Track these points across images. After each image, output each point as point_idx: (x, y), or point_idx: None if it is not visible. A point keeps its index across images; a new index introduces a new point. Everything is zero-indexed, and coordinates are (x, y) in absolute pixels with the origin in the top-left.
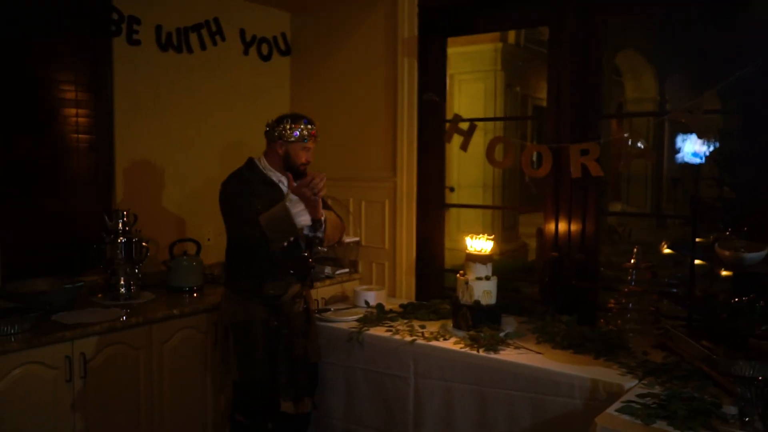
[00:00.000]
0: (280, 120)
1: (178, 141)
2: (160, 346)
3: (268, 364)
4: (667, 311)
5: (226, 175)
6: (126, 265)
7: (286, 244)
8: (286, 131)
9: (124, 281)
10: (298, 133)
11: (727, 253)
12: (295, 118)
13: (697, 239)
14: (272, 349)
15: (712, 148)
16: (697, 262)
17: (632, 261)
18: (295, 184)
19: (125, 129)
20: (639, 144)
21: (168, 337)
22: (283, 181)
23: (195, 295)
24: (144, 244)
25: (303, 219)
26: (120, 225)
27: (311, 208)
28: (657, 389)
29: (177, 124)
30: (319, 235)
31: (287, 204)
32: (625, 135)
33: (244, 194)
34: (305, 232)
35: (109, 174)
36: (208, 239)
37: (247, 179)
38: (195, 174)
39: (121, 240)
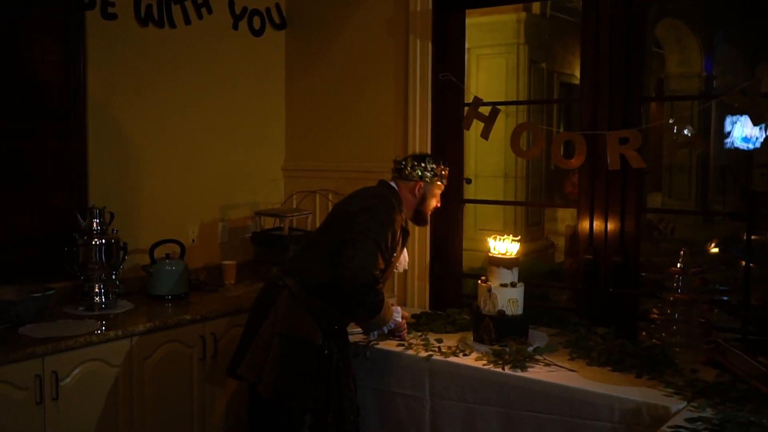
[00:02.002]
0: (420, 158)
1: (160, 128)
2: (141, 363)
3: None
4: (717, 322)
5: (212, 167)
6: (101, 270)
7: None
8: (428, 171)
9: (99, 289)
10: (439, 175)
11: None
12: (434, 158)
13: (753, 237)
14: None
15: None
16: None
17: (679, 265)
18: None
19: (100, 114)
20: (686, 131)
21: (150, 352)
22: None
23: (180, 303)
24: (122, 245)
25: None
26: (94, 224)
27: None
28: (709, 412)
29: (158, 108)
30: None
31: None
32: (670, 121)
33: (391, 238)
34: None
35: (81, 166)
36: (193, 240)
37: (398, 221)
38: (179, 166)
39: (95, 241)
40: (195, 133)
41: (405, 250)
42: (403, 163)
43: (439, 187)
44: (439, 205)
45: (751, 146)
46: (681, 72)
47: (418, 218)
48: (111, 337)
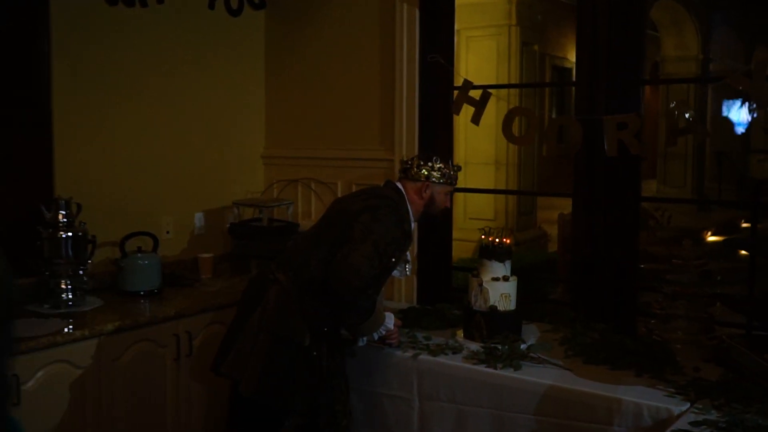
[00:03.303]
0: (427, 157)
1: (131, 114)
2: (110, 364)
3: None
4: (720, 317)
5: (188, 154)
6: (68, 265)
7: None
8: (435, 171)
9: (66, 285)
10: (447, 175)
11: None
12: (442, 157)
13: (746, 225)
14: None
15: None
16: (743, 253)
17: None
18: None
19: (66, 100)
20: (687, 116)
21: (120, 352)
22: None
23: (153, 300)
24: (90, 238)
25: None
26: (60, 216)
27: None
28: (714, 414)
29: (129, 93)
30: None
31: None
32: (671, 105)
33: (396, 246)
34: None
35: (46, 154)
36: (167, 232)
37: (402, 225)
38: (151, 155)
39: (62, 234)
40: (168, 119)
41: (408, 253)
42: (410, 162)
43: (447, 187)
44: (448, 205)
45: (742, 130)
46: (677, 55)
47: (430, 217)
48: (77, 337)
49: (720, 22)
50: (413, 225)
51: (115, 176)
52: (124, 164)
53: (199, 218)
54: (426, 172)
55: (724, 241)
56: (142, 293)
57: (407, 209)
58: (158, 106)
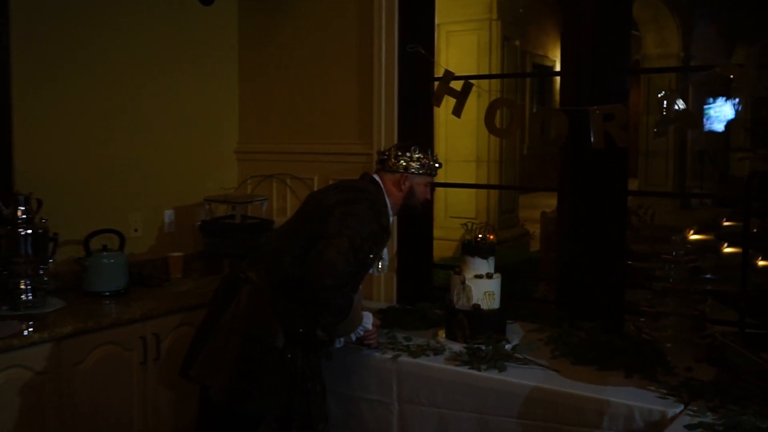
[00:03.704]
0: (405, 147)
1: (97, 106)
2: (71, 369)
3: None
4: (710, 314)
5: (157, 148)
6: (28, 264)
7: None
8: (413, 161)
9: (25, 285)
10: (426, 165)
11: None
12: (421, 147)
13: (728, 223)
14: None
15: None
16: (727, 250)
17: (672, 253)
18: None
19: (27, 91)
20: (677, 105)
21: (82, 357)
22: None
23: (119, 301)
24: (52, 236)
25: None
26: (19, 212)
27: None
28: (709, 417)
29: (94, 84)
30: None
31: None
32: (660, 95)
33: (374, 241)
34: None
35: (5, 148)
36: (136, 230)
37: (380, 219)
38: (118, 149)
39: (21, 232)
40: (136, 112)
41: (385, 249)
42: (387, 153)
43: (427, 178)
44: (429, 197)
45: (722, 129)
46: (658, 53)
47: (410, 211)
48: (36, 340)
49: (701, 19)
50: (392, 219)
51: (79, 171)
52: (89, 158)
53: (169, 215)
54: (404, 163)
55: (716, 235)
56: (107, 294)
57: (385, 202)
58: (126, 99)
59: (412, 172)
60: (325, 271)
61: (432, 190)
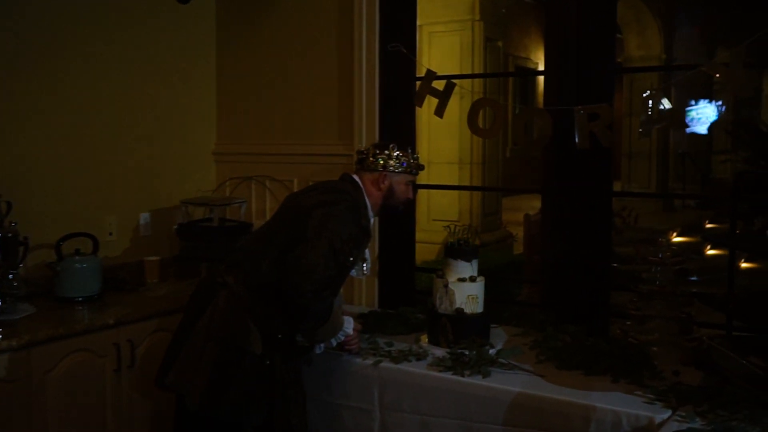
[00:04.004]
0: (383, 146)
1: (69, 106)
2: (42, 377)
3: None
4: (697, 317)
5: (133, 150)
6: None
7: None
8: (392, 159)
9: None
10: (406, 163)
11: None
12: (400, 145)
13: (710, 225)
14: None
15: (716, 117)
16: (710, 252)
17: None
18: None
19: None
20: (662, 105)
21: (53, 364)
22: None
23: (92, 306)
24: (22, 240)
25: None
26: None
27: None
28: (698, 422)
29: (67, 83)
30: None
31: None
32: (644, 95)
33: (354, 244)
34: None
35: None
36: (111, 233)
37: (360, 221)
38: (92, 150)
39: None
40: (111, 112)
41: (367, 251)
42: (365, 152)
43: (407, 176)
44: (410, 197)
45: (704, 131)
46: (641, 55)
47: (391, 210)
48: (4, 348)
49: (682, 22)
50: (372, 220)
51: (51, 173)
52: (61, 160)
53: (145, 218)
54: (383, 162)
55: (702, 237)
56: (80, 299)
57: (365, 203)
58: (100, 99)
59: (391, 171)
60: (305, 276)
61: (414, 190)
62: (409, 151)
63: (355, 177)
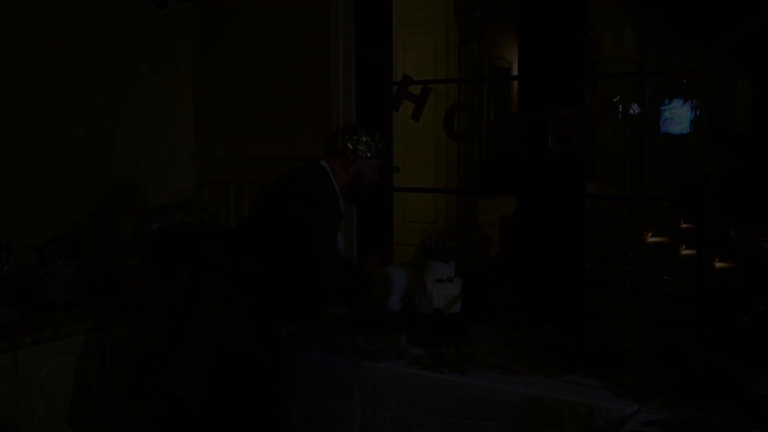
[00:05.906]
0: (352, 130)
1: (47, 110)
2: (27, 381)
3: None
4: (669, 315)
5: (112, 154)
6: None
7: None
8: (360, 144)
9: None
10: (374, 148)
11: (748, 242)
12: (367, 130)
13: (686, 225)
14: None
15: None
16: (686, 252)
17: (629, 255)
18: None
19: None
20: (632, 110)
21: (38, 368)
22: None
23: (75, 310)
24: (5, 245)
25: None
26: None
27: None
28: (666, 414)
29: (45, 87)
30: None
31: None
32: (615, 99)
33: (333, 226)
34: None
35: None
36: (91, 238)
37: (336, 206)
38: (72, 152)
39: None
40: (89, 113)
41: (340, 237)
42: (334, 137)
43: (375, 161)
44: (378, 181)
45: (680, 131)
46: (614, 55)
47: (356, 198)
48: None
49: (655, 21)
50: (342, 204)
51: (32, 176)
52: (41, 162)
53: (125, 223)
54: (351, 146)
55: (672, 237)
56: (63, 303)
57: (333, 188)
58: (76, 99)
59: (360, 155)
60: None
61: (384, 174)
62: (377, 135)
63: (323, 162)
